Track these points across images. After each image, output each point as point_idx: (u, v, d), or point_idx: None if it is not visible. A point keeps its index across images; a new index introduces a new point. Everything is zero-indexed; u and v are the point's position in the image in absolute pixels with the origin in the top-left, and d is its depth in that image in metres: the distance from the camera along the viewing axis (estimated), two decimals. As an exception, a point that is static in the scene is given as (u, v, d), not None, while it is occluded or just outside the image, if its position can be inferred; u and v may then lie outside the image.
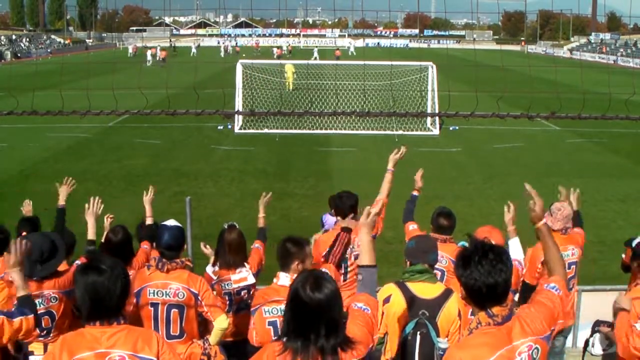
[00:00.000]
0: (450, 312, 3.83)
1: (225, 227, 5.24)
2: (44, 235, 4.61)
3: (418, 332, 3.71)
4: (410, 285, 3.88)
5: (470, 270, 2.84)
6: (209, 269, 5.32)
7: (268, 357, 2.88)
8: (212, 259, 5.40)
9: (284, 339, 2.85)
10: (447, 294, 3.90)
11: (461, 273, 2.88)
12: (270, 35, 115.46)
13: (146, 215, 5.68)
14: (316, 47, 68.55)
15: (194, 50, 71.37)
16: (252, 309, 4.23)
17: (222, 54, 67.49)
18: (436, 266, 5.15)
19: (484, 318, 2.84)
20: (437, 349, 3.70)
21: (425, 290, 3.87)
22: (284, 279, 4.15)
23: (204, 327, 4.67)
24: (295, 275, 4.09)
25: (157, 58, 55.17)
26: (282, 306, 3.97)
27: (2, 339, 3.52)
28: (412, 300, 3.81)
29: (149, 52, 54.94)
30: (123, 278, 3.12)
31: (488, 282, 2.81)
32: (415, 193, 6.06)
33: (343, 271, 5.56)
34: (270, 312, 4.09)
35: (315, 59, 48.24)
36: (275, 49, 63.05)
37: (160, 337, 3.22)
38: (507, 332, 2.82)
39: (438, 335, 3.73)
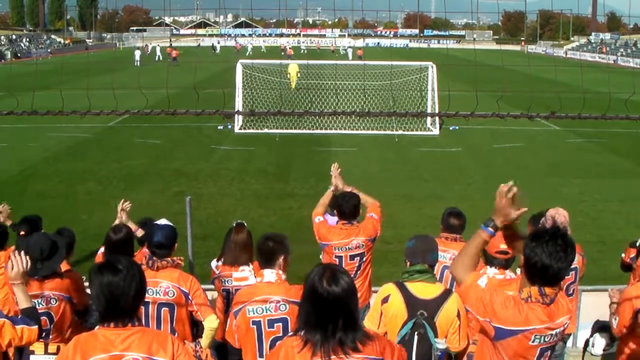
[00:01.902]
0: (449, 313, 3.81)
1: (234, 225, 5.23)
2: (44, 235, 4.62)
3: (416, 332, 3.70)
4: (409, 285, 3.86)
5: (535, 244, 3.09)
6: (213, 264, 5.30)
7: (287, 354, 2.85)
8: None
9: (302, 333, 2.84)
10: (446, 294, 3.88)
11: (527, 243, 3.14)
12: (270, 35, 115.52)
13: (132, 230, 5.59)
14: (350, 47, 68.86)
15: (218, 49, 74.07)
16: (234, 310, 4.11)
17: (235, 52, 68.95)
18: (448, 266, 5.18)
19: (535, 294, 3.12)
20: (434, 349, 3.68)
21: (424, 290, 3.85)
22: (270, 275, 4.09)
23: (197, 329, 4.65)
24: (281, 270, 4.09)
25: (168, 57, 55.11)
26: (268, 305, 3.97)
27: (2, 343, 3.50)
28: (410, 300, 3.79)
29: (137, 52, 53.51)
30: (138, 279, 3.08)
31: (544, 262, 3.05)
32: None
33: (357, 264, 5.60)
34: (254, 311, 4.00)
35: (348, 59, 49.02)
36: (288, 48, 63.14)
37: (175, 339, 3.17)
38: (553, 310, 3.15)
39: (436, 336, 3.71)
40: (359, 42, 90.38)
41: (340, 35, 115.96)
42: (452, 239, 5.27)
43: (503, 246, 4.28)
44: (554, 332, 3.16)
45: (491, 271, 4.29)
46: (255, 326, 4.00)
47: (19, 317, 3.58)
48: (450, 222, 5.38)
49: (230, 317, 4.14)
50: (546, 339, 3.15)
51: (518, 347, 3.13)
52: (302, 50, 69.32)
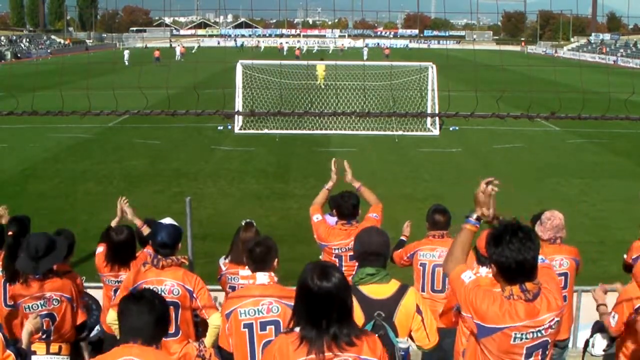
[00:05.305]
0: (408, 309, 3.67)
1: (243, 224, 5.21)
2: (44, 235, 4.60)
3: (377, 335, 3.60)
4: (362, 288, 3.70)
5: (501, 248, 3.05)
6: (221, 261, 5.29)
7: (281, 349, 2.87)
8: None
9: (297, 329, 2.86)
10: (402, 291, 3.71)
11: (492, 251, 3.09)
12: (270, 35, 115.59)
13: (138, 226, 5.55)
14: (366, 47, 69.20)
15: (262, 47, 79.55)
16: (226, 312, 4.05)
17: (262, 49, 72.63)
18: (438, 263, 5.16)
19: (517, 292, 3.07)
20: (397, 349, 3.58)
21: (377, 290, 3.69)
22: (262, 278, 4.05)
23: (202, 329, 4.64)
24: (273, 272, 4.08)
25: (156, 60, 55.41)
26: (260, 307, 3.93)
27: None
28: (365, 302, 3.64)
29: (126, 52, 56.22)
30: (161, 309, 3.15)
31: (518, 259, 3.02)
32: (403, 238, 6.03)
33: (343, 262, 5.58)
34: (246, 313, 3.95)
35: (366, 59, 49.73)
36: (295, 49, 64.07)
37: None
38: (536, 307, 3.07)
39: (397, 335, 3.62)
40: (359, 43, 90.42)
41: (340, 36, 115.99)
42: (439, 235, 5.31)
43: None
44: (536, 329, 3.08)
45: (484, 270, 4.27)
46: (246, 329, 3.93)
47: (13, 345, 3.63)
48: (436, 219, 5.42)
49: (223, 320, 4.09)
50: (528, 337, 3.07)
51: (500, 345, 3.08)
52: (302, 52, 69.60)
